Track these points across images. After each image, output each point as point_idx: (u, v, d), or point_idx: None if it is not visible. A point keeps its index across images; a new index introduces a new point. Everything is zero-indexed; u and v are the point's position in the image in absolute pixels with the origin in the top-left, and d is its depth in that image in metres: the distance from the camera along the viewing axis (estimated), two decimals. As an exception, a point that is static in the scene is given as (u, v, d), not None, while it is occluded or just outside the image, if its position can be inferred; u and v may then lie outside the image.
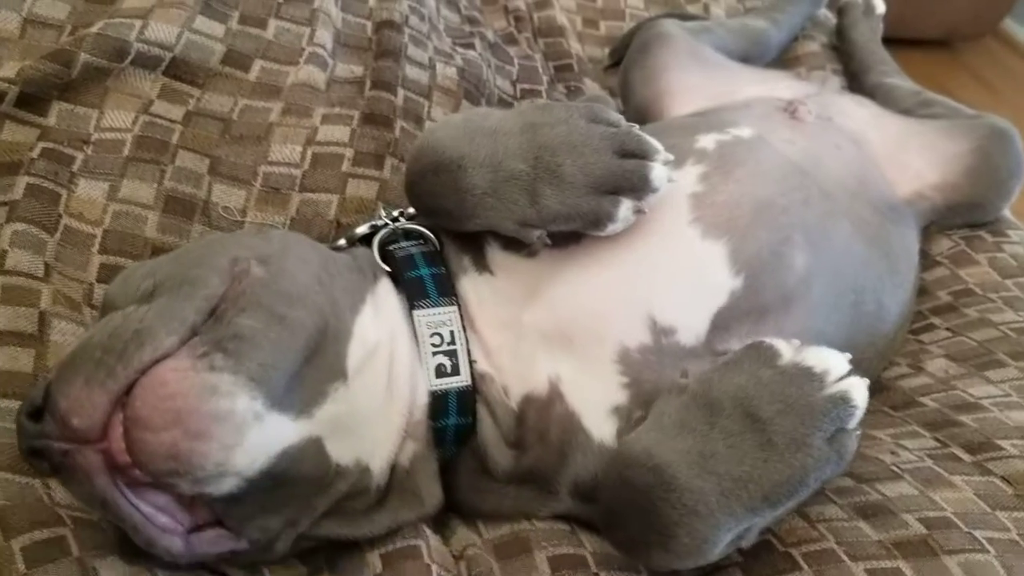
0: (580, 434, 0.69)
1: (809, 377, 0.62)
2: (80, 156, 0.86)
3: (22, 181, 0.83)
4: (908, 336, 0.98)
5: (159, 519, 0.57)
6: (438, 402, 0.70)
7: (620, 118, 0.74)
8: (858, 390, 0.62)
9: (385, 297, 0.72)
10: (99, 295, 0.81)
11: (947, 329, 0.96)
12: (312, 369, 0.61)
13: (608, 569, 0.66)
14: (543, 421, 0.70)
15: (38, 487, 0.65)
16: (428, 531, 0.70)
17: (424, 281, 0.74)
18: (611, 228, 0.71)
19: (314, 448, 0.60)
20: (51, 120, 0.87)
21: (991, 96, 2.54)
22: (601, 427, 0.69)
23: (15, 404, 0.70)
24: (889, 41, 1.34)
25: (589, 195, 0.70)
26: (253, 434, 0.55)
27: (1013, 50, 2.90)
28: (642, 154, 0.72)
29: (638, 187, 0.71)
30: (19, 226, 0.79)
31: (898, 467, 0.75)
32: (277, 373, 0.57)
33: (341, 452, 0.62)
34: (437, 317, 0.72)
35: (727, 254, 0.74)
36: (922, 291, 1.03)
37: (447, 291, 0.74)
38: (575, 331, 0.71)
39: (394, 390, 0.68)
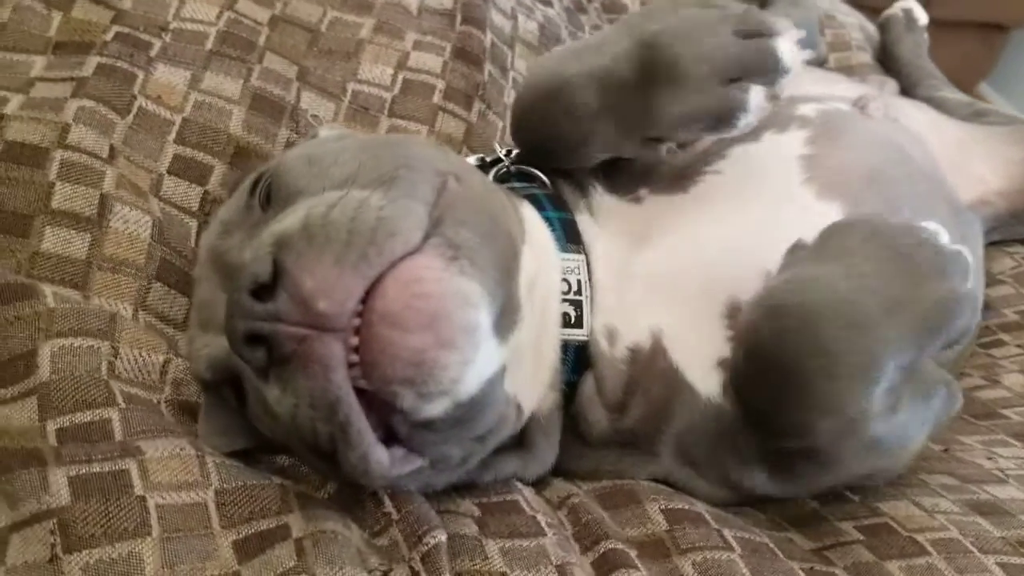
0: (684, 390, 0.64)
1: (924, 230, 0.59)
2: (158, 43, 0.79)
3: (93, 60, 0.75)
4: (978, 349, 0.96)
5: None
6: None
7: (733, 3, 0.66)
8: (967, 252, 0.59)
9: (533, 230, 0.65)
10: (168, 187, 0.73)
11: (1017, 346, 0.95)
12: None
13: (728, 527, 0.60)
14: (647, 378, 0.65)
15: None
16: (519, 484, 0.64)
17: (553, 225, 0.67)
18: (745, 121, 0.63)
19: (501, 378, 0.52)
20: (126, 3, 0.80)
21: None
22: (706, 381, 0.63)
23: (63, 291, 0.62)
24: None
25: (713, 87, 0.62)
26: (482, 353, 0.49)
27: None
28: (766, 32, 0.63)
29: (768, 68, 0.62)
30: (86, 102, 0.72)
31: (1000, 472, 0.72)
32: (502, 291, 0.51)
33: (510, 385, 0.54)
34: (566, 263, 0.66)
35: (842, 216, 0.68)
36: (988, 307, 1.01)
37: (575, 238, 0.67)
38: (686, 283, 0.66)
39: (546, 326, 0.62)
